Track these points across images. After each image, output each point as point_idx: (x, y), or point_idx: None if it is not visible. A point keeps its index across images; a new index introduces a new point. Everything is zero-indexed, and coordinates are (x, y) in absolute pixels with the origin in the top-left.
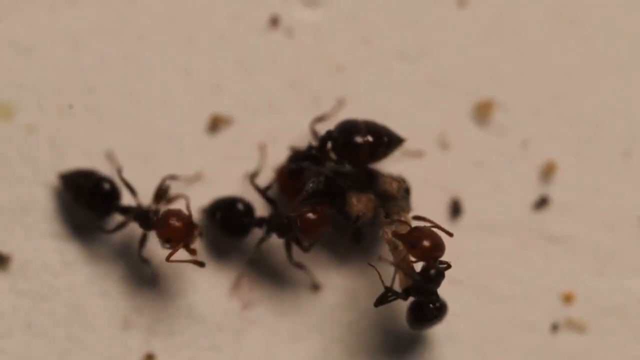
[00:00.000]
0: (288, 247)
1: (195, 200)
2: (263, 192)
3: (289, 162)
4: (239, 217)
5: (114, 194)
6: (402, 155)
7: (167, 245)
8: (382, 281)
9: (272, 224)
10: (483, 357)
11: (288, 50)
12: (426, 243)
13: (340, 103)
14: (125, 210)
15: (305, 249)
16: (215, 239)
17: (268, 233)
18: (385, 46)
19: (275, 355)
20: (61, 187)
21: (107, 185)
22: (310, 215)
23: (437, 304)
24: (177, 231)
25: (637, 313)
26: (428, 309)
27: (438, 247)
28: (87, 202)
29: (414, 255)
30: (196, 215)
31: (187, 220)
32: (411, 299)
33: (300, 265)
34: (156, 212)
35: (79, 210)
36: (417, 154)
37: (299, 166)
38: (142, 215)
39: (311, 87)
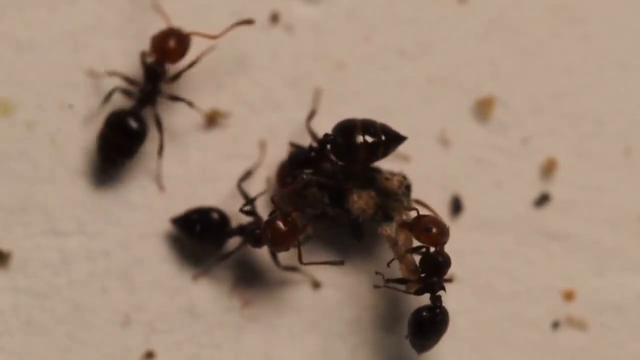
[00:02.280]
0: (272, 254)
1: (195, 197)
2: (248, 198)
3: (289, 166)
4: (215, 228)
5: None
6: (391, 158)
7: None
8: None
9: (247, 234)
10: (484, 355)
11: (288, 47)
12: (435, 229)
13: (318, 93)
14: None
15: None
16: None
17: (244, 242)
18: (386, 43)
19: (276, 353)
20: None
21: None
22: (281, 225)
23: (440, 306)
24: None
25: (638, 311)
26: (432, 313)
27: (445, 232)
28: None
29: (423, 241)
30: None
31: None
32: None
33: (290, 268)
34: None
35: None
36: (405, 158)
37: (299, 173)
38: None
39: (311, 84)
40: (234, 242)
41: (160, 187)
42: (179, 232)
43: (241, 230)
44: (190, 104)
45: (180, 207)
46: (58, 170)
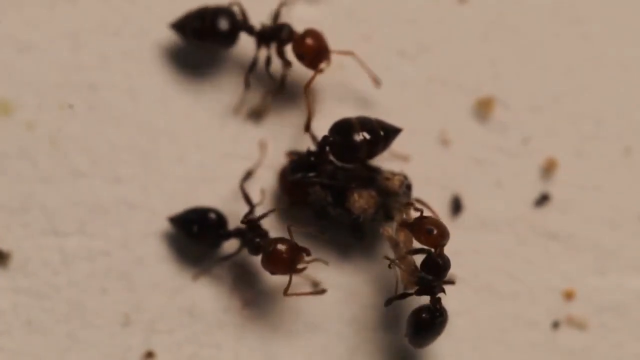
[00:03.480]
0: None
1: (195, 197)
2: (249, 201)
3: (290, 171)
4: (212, 229)
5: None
6: (391, 157)
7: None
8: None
9: (246, 240)
10: (483, 355)
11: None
12: (436, 231)
13: (308, 92)
14: (237, 233)
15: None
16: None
17: (241, 247)
18: (386, 43)
19: (276, 353)
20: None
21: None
22: (282, 251)
23: (440, 308)
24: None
25: (638, 310)
26: (432, 314)
27: (446, 235)
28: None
29: (424, 243)
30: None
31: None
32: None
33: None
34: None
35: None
36: (404, 158)
37: (300, 177)
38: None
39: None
40: (233, 243)
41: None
42: (177, 231)
43: (239, 233)
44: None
45: (180, 207)
46: (58, 170)
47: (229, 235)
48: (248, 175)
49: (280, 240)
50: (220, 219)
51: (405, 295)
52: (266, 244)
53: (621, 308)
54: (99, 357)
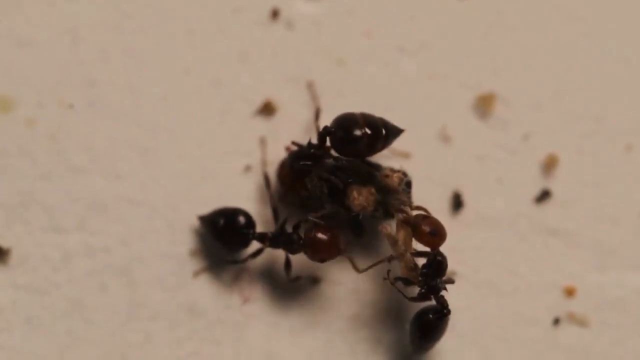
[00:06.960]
0: (287, 265)
1: (195, 195)
2: (276, 213)
3: (290, 161)
4: (241, 230)
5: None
6: (391, 155)
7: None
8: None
9: (280, 240)
10: (484, 351)
11: (288, 43)
12: (438, 233)
13: (311, 87)
14: (262, 237)
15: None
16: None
17: (273, 248)
18: (386, 40)
19: (276, 349)
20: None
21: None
22: (322, 236)
23: (446, 305)
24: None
25: (638, 307)
26: (439, 314)
27: (445, 236)
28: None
29: (425, 243)
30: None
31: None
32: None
33: (297, 279)
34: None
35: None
36: (405, 155)
37: (300, 167)
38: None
39: (312, 80)
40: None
41: None
42: (205, 231)
43: (265, 236)
44: None
45: (180, 204)
46: (58, 167)
47: (255, 237)
48: (267, 180)
49: (318, 228)
50: (249, 221)
51: (406, 281)
52: (306, 236)
53: (622, 305)
54: (98, 354)
